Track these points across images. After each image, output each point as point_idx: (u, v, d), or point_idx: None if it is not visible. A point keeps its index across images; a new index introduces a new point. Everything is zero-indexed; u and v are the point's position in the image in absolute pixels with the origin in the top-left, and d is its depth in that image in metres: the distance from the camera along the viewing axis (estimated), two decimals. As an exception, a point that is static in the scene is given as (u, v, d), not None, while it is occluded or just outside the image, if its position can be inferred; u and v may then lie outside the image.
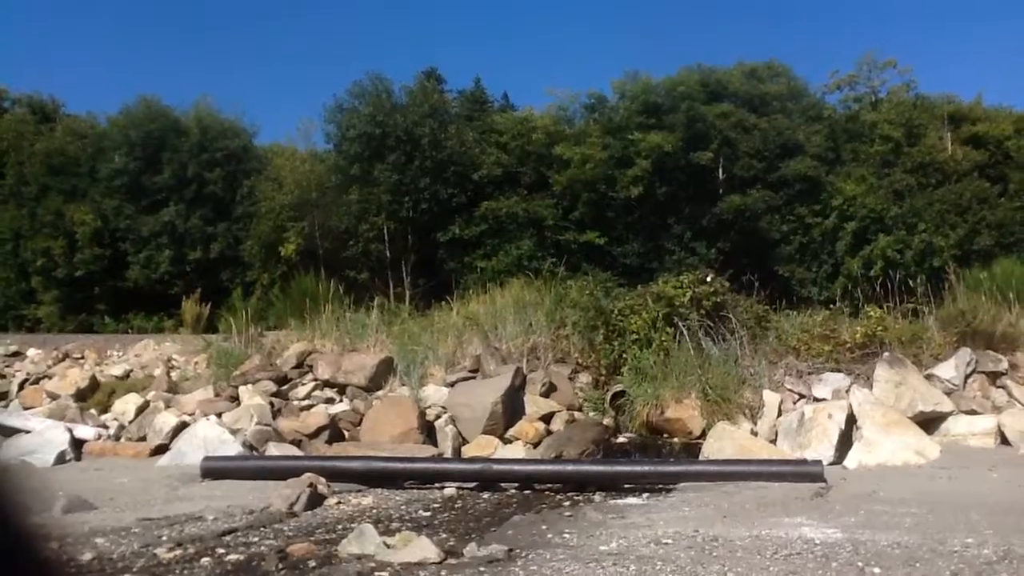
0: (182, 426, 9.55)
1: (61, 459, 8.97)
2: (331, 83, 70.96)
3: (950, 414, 9.15)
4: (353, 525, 5.71)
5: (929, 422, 8.98)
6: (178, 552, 5.03)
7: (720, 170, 25.96)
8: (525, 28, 72.13)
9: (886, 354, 9.83)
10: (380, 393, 10.62)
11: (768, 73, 28.30)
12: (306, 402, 10.44)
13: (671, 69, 28.99)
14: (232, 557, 4.95)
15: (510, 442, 9.47)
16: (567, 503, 7.02)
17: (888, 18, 60.98)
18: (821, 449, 8.25)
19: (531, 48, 71.11)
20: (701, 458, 8.61)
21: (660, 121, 25.86)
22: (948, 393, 9.49)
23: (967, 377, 9.89)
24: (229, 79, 67.24)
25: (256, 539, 5.48)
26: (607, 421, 10.43)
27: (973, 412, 9.29)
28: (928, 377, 9.73)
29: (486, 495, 7.45)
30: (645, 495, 7.20)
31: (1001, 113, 28.95)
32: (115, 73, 64.89)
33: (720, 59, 39.81)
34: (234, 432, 9.04)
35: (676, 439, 9.86)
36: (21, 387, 11.92)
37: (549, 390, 10.56)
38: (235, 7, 71.73)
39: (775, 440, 8.99)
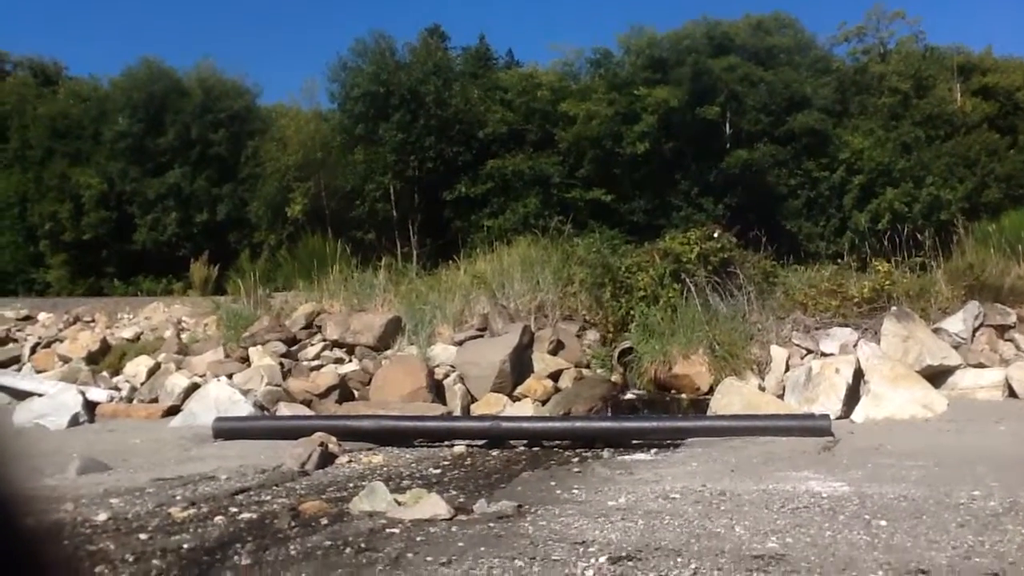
0: (193, 387, 9.62)
1: (75, 421, 9.04)
2: (334, 42, 70.34)
3: (958, 367, 9.15)
4: (364, 483, 5.75)
5: (936, 376, 8.99)
6: (192, 511, 5.09)
7: (727, 124, 25.70)
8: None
9: (894, 308, 9.82)
10: (389, 353, 10.68)
11: (775, 25, 27.92)
12: (315, 362, 10.51)
13: (677, 22, 28.66)
14: (245, 515, 5.01)
15: (518, 400, 9.52)
16: (575, 459, 7.08)
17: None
18: (828, 404, 8.27)
19: (535, 3, 70.19)
20: (708, 413, 8.66)
21: (666, 75, 25.56)
22: (956, 347, 9.48)
23: (975, 330, 9.88)
24: (232, 38, 66.86)
25: (268, 497, 5.54)
26: (615, 378, 10.48)
27: (981, 365, 9.28)
28: (936, 331, 9.72)
29: (495, 452, 7.52)
30: (653, 451, 7.25)
31: (1011, 64, 28.58)
32: (117, 36, 64.37)
33: (726, 11, 39.30)
34: (245, 393, 9.10)
35: (684, 395, 9.91)
36: (33, 351, 11.96)
37: (557, 348, 10.60)
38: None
39: (782, 395, 9.01)
